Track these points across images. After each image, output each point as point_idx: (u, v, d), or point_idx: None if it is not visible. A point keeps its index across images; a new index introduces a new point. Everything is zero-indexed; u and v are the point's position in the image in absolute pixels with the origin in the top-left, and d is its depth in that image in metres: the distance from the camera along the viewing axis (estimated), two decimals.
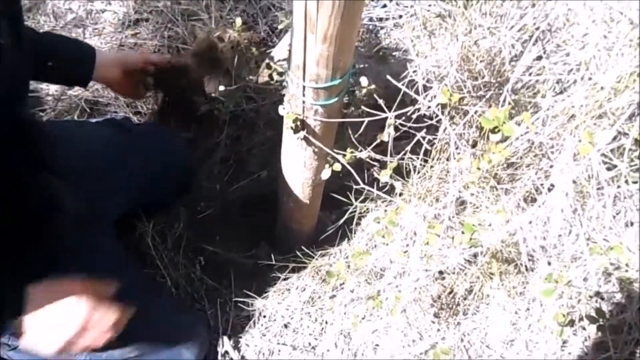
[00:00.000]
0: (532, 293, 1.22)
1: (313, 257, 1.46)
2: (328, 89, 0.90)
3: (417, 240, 0.99)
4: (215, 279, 1.43)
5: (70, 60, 1.13)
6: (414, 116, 1.00)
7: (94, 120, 1.43)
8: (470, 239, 0.89)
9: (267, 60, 1.38)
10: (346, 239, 1.47)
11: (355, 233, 1.47)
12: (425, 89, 1.01)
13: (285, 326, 1.37)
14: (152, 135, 1.36)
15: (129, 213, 1.28)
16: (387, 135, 0.93)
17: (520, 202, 1.08)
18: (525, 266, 1.10)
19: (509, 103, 0.97)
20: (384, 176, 0.99)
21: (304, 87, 0.91)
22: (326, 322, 1.37)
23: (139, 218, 1.35)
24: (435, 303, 1.27)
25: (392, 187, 1.23)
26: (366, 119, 0.97)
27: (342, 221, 1.33)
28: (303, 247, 1.47)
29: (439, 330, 1.30)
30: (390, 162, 1.01)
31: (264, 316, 1.39)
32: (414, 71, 0.99)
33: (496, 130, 0.87)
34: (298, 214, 1.35)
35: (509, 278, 1.20)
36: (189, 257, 1.45)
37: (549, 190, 0.92)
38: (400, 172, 1.29)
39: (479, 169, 0.89)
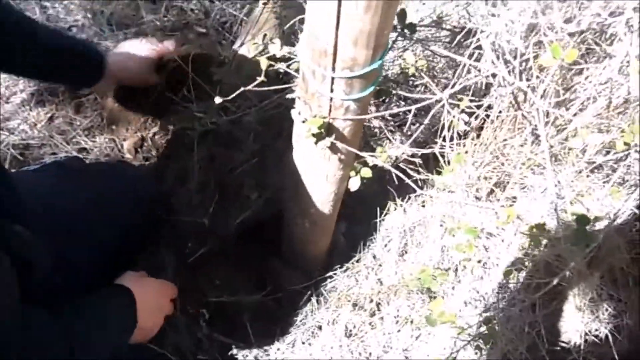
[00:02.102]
0: None
1: (333, 280, 1.24)
2: (365, 75, 0.67)
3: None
4: (228, 333, 1.17)
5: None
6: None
7: (31, 167, 1.17)
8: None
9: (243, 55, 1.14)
10: (366, 250, 1.26)
11: (374, 242, 1.26)
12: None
13: None
14: (111, 172, 1.19)
15: (102, 266, 1.07)
16: (460, 121, 0.71)
17: None
18: None
19: None
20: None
21: (332, 79, 0.68)
22: (371, 354, 1.15)
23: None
24: None
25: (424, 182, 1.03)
26: (412, 107, 0.73)
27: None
28: (318, 270, 1.26)
29: None
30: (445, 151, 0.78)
31: None
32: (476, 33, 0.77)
33: None
34: (315, 234, 1.12)
35: None
36: (189, 313, 1.18)
37: None
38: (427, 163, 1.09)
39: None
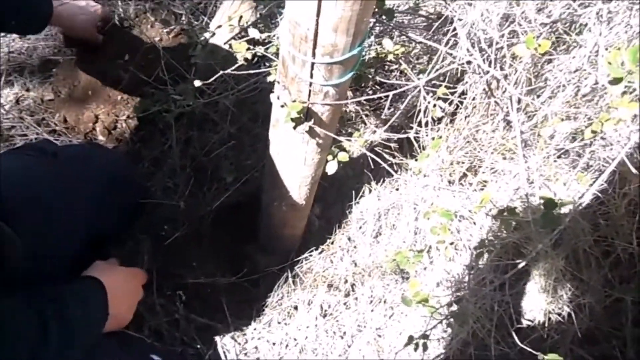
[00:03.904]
0: None
1: (309, 261, 1.25)
2: (345, 62, 0.67)
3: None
4: (205, 314, 1.17)
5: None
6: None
7: (1, 151, 1.13)
8: None
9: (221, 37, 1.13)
10: (341, 232, 1.27)
11: (349, 224, 1.27)
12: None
13: (302, 350, 1.15)
14: (84, 155, 1.13)
15: (79, 252, 1.03)
16: (437, 107, 0.71)
17: None
18: None
19: None
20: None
21: (312, 64, 0.68)
22: (345, 334, 1.17)
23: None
24: None
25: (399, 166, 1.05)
26: (390, 93, 0.74)
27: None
28: (294, 252, 1.26)
29: None
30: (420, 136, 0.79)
31: (273, 344, 1.16)
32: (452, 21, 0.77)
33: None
34: (292, 218, 1.12)
35: None
36: (166, 295, 1.17)
37: None
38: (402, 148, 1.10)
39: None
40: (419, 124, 0.94)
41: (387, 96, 0.75)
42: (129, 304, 0.98)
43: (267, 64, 1.05)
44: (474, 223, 1.03)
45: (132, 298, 1.00)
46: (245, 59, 0.80)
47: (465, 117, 0.96)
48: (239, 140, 1.24)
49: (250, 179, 1.24)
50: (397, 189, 1.18)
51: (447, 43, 0.89)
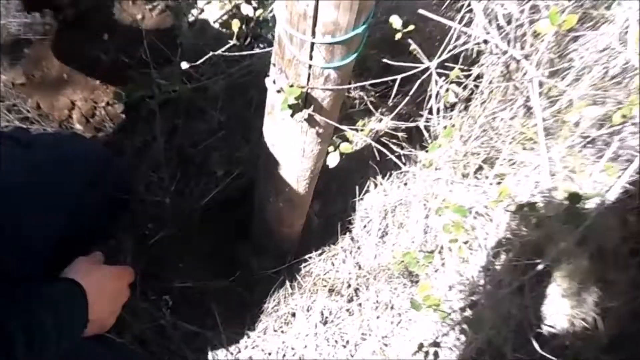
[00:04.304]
0: None
1: (308, 264, 1.25)
2: (348, 42, 0.67)
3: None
4: (194, 321, 1.17)
5: None
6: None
7: None
8: None
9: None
10: (343, 232, 1.27)
11: (352, 223, 1.27)
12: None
13: None
14: (62, 145, 1.12)
15: (57, 251, 1.03)
16: (451, 92, 0.71)
17: None
18: None
19: None
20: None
21: (312, 44, 0.67)
22: (348, 342, 1.17)
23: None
24: None
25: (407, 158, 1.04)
26: (397, 77, 0.73)
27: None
28: (291, 254, 1.26)
29: None
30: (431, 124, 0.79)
31: (269, 353, 1.16)
32: None
33: None
34: (289, 214, 1.13)
35: None
36: (151, 300, 1.17)
37: None
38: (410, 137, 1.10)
39: None
40: (430, 111, 0.94)
41: (394, 80, 0.74)
42: (113, 308, 0.98)
43: (262, 45, 1.05)
44: (491, 220, 1.03)
45: (116, 301, 0.99)
46: (238, 39, 0.79)
47: (481, 103, 0.96)
48: (230, 129, 1.24)
49: (243, 172, 1.24)
50: (405, 184, 1.17)
51: (461, 20, 0.88)
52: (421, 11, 0.72)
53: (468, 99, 1.02)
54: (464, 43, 0.87)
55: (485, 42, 0.85)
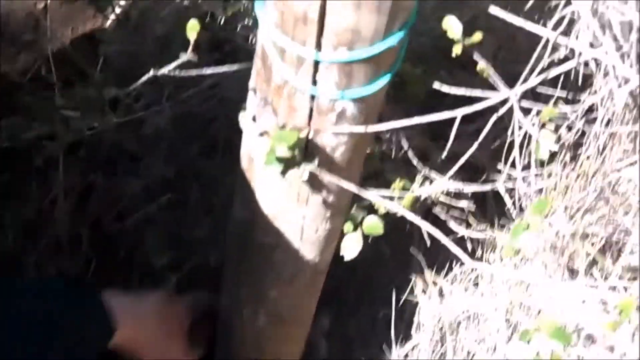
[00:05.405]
0: None
1: None
2: (376, 58, 0.69)
3: None
4: None
5: None
6: None
7: None
8: None
9: None
10: None
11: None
12: None
13: None
14: None
15: None
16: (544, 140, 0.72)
17: None
18: None
19: None
20: None
21: (316, 63, 0.69)
22: None
23: None
24: None
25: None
26: (457, 112, 0.74)
27: None
28: None
29: None
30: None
31: None
32: None
33: None
34: (278, 338, 1.22)
35: None
36: None
37: None
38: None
39: None
40: (513, 164, 0.93)
41: (452, 118, 0.75)
42: None
43: (234, 58, 1.08)
44: (611, 350, 1.01)
45: None
46: (197, 47, 0.82)
47: (598, 154, 0.96)
48: (180, 191, 1.24)
49: (200, 265, 1.25)
50: (475, 285, 1.17)
51: (556, 26, 0.88)
52: (493, 10, 0.72)
53: (576, 145, 1.02)
54: (563, 61, 0.88)
55: (596, 60, 0.88)
